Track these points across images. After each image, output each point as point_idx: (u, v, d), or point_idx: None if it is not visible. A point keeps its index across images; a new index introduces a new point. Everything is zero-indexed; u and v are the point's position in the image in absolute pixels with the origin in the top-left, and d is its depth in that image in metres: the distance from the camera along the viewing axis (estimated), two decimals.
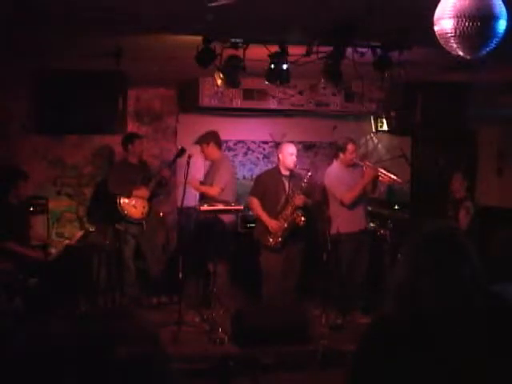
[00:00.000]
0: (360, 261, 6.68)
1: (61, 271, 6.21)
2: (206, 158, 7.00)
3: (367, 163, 6.80)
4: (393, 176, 6.77)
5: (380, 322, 1.90)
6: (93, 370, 1.23)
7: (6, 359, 1.25)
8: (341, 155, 6.72)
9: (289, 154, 6.56)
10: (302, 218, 6.47)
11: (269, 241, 6.47)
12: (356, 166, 6.74)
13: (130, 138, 7.23)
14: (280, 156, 6.64)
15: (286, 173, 6.61)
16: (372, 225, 7.25)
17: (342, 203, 6.62)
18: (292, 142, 7.08)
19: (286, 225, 6.46)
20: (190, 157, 6.39)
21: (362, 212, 6.73)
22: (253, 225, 7.06)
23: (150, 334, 1.33)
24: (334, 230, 6.53)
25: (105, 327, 1.30)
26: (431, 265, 1.81)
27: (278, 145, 8.05)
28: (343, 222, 6.58)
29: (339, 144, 6.81)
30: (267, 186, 6.59)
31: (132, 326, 1.33)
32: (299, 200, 6.43)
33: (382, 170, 6.74)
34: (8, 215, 6.22)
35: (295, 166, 6.64)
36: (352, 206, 6.61)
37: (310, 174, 6.55)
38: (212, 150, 6.90)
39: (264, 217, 6.51)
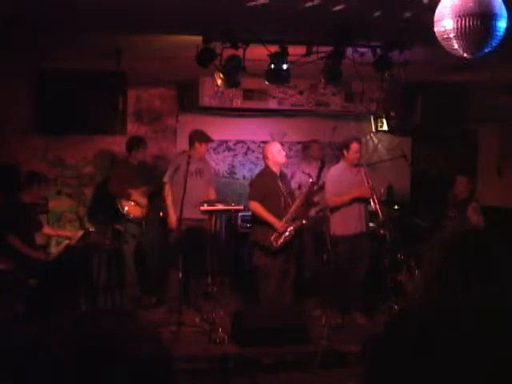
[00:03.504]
0: (358, 264, 6.62)
1: (61, 271, 6.21)
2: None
3: (369, 181, 6.66)
4: (379, 209, 6.56)
5: (403, 319, 1.85)
6: (94, 371, 1.22)
7: (7, 359, 1.25)
8: (345, 154, 6.69)
9: (277, 151, 6.55)
10: (304, 222, 6.50)
11: (272, 243, 6.36)
12: (360, 168, 6.68)
13: (135, 144, 7.18)
14: (269, 156, 6.56)
15: (277, 172, 6.59)
16: (372, 225, 7.23)
17: (325, 202, 6.62)
18: (286, 142, 7.19)
19: (291, 228, 6.41)
20: (190, 157, 6.39)
21: (359, 215, 6.61)
22: (251, 225, 7.02)
23: (152, 334, 1.33)
24: (331, 231, 6.53)
25: (105, 327, 1.30)
26: (459, 265, 1.77)
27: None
28: (338, 223, 6.55)
29: (344, 142, 6.79)
30: (267, 189, 6.50)
31: (133, 325, 1.33)
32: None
33: (375, 198, 6.56)
34: (18, 212, 6.27)
35: (286, 159, 6.75)
36: (347, 208, 6.57)
37: (311, 180, 6.51)
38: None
39: (271, 218, 6.40)
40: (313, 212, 7.29)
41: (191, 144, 6.89)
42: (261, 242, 6.46)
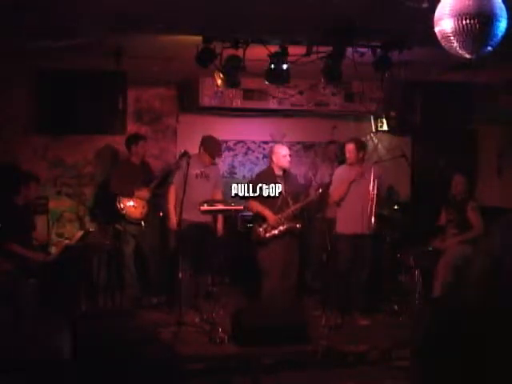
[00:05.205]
0: (359, 265, 6.60)
1: (61, 271, 6.21)
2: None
3: (374, 185, 6.55)
4: (373, 217, 6.43)
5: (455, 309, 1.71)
6: (94, 370, 1.23)
7: (8, 359, 1.26)
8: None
9: (282, 156, 6.67)
10: (298, 226, 6.63)
11: (260, 233, 6.54)
12: (364, 166, 6.66)
13: (134, 139, 7.20)
14: (274, 158, 6.72)
15: (280, 173, 6.69)
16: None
17: (332, 200, 6.69)
18: (286, 142, 7.25)
19: (282, 227, 6.56)
20: (189, 157, 6.40)
21: (361, 215, 6.50)
22: (252, 225, 7.06)
23: (151, 334, 1.33)
24: (336, 230, 6.60)
25: (105, 327, 1.30)
26: None
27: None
28: (340, 222, 6.62)
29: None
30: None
31: (133, 326, 1.33)
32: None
33: (372, 205, 6.45)
34: (13, 216, 6.23)
35: (289, 165, 6.78)
36: (350, 207, 6.57)
37: (320, 191, 6.57)
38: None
39: (266, 212, 6.57)
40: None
41: (199, 148, 6.89)
42: (253, 236, 6.67)
